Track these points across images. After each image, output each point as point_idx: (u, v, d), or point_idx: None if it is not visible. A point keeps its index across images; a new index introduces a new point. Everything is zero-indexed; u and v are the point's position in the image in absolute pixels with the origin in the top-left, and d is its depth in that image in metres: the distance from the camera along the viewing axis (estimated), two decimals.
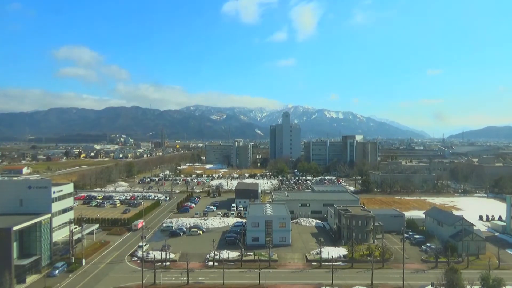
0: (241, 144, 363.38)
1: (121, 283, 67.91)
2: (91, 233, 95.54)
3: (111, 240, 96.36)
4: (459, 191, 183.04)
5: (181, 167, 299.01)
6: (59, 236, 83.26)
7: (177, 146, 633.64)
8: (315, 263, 78.52)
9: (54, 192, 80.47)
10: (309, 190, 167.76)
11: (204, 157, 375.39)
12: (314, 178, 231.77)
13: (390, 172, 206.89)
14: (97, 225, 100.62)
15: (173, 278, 70.14)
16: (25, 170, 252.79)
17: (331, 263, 71.49)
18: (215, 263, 77.00)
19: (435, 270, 73.19)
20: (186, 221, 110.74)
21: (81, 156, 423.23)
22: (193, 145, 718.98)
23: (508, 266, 77.39)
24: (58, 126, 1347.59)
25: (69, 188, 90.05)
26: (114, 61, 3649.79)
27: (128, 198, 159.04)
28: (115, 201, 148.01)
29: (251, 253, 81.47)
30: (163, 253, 79.17)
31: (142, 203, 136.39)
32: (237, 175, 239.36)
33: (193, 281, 68.73)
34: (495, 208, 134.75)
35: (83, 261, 78.45)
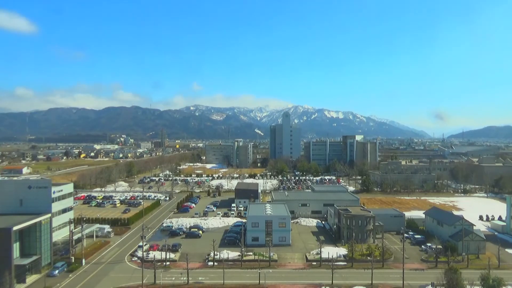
0: (241, 144, 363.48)
1: (121, 283, 67.93)
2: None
3: (111, 240, 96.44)
4: (459, 191, 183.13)
5: (181, 167, 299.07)
6: (59, 236, 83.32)
7: (177, 146, 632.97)
8: (315, 263, 78.56)
9: (54, 192, 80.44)
10: (309, 190, 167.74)
11: (204, 157, 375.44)
12: (314, 178, 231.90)
13: (390, 172, 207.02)
14: (97, 225, 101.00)
15: (173, 278, 70.15)
16: (25, 170, 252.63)
17: (331, 263, 71.44)
18: (215, 263, 77.06)
19: (435, 270, 73.19)
20: (186, 221, 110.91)
21: (81, 156, 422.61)
22: (193, 145, 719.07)
23: (508, 266, 77.45)
24: (58, 126, 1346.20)
25: (69, 188, 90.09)
26: (114, 61, 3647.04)
27: (128, 198, 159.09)
28: (115, 201, 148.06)
29: (251, 253, 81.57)
30: (163, 253, 79.27)
31: (142, 203, 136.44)
32: (237, 175, 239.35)
33: (193, 281, 68.75)
34: (495, 208, 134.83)
35: (83, 261, 78.48)
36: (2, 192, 79.04)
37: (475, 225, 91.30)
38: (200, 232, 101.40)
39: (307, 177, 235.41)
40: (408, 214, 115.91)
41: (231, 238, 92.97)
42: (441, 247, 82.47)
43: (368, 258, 76.64)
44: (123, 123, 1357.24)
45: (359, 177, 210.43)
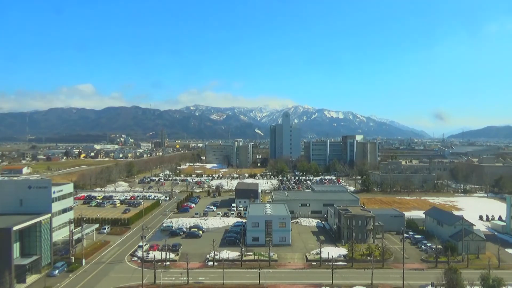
0: (241, 144, 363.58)
1: (121, 283, 67.95)
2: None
3: (111, 240, 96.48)
4: (459, 191, 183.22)
5: (181, 167, 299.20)
6: (59, 236, 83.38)
7: (177, 146, 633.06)
8: (315, 263, 78.59)
9: (54, 192, 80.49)
10: (309, 190, 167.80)
11: (204, 157, 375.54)
12: (314, 178, 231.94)
13: (390, 172, 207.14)
14: (97, 225, 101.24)
15: (173, 278, 70.18)
16: (25, 170, 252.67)
17: (331, 263, 71.50)
18: (215, 263, 77.09)
19: (435, 270, 73.21)
20: (186, 221, 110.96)
21: (81, 156, 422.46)
22: (193, 145, 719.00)
23: (508, 266, 77.49)
24: (58, 126, 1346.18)
25: (69, 188, 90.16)
26: (112, 60, 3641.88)
27: (128, 198, 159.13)
28: (115, 201, 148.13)
29: (251, 253, 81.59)
30: (163, 253, 79.32)
31: (142, 203, 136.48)
32: (237, 175, 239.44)
33: (193, 281, 68.78)
34: (495, 208, 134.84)
35: (83, 261, 78.52)
36: (2, 192, 79.10)
37: (475, 225, 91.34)
38: (200, 232, 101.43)
39: (307, 177, 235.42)
40: (408, 214, 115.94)
41: (231, 238, 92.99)
42: (441, 247, 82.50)
43: (368, 258, 76.65)
44: (123, 123, 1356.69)
45: (359, 177, 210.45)
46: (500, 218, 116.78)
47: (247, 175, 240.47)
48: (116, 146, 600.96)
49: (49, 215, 77.65)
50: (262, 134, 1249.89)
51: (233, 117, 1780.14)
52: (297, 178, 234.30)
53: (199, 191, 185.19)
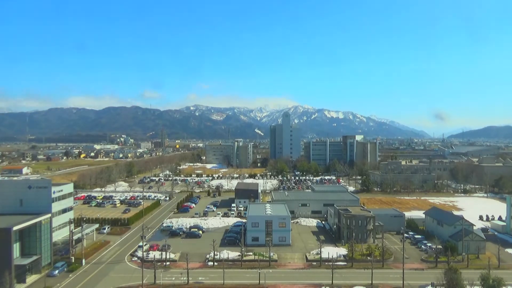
0: (241, 144, 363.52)
1: (121, 283, 67.96)
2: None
3: (111, 240, 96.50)
4: (459, 191, 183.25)
5: (181, 167, 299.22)
6: (59, 236, 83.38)
7: (177, 146, 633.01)
8: (315, 263, 78.59)
9: (54, 192, 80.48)
10: (309, 190, 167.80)
11: (204, 157, 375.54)
12: (314, 178, 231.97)
13: (390, 172, 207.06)
14: (97, 225, 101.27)
15: (173, 278, 70.17)
16: (25, 170, 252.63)
17: (331, 263, 71.51)
18: (215, 263, 77.11)
19: (435, 270, 73.20)
20: (186, 221, 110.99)
21: (81, 156, 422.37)
22: (193, 145, 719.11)
23: (508, 266, 77.49)
24: (58, 126, 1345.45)
25: (69, 188, 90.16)
26: (112, 60, 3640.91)
27: (128, 198, 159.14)
28: (115, 201, 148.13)
29: (251, 253, 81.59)
30: (163, 253, 79.31)
31: (142, 203, 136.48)
32: (237, 175, 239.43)
33: (193, 281, 68.79)
34: (495, 208, 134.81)
35: (83, 261, 78.52)
36: (2, 192, 79.15)
37: (475, 225, 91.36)
38: (200, 232, 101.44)
39: (307, 177, 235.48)
40: (408, 214, 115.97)
41: (231, 238, 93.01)
42: (441, 247, 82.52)
43: (368, 258, 76.69)
44: (123, 123, 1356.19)
45: (359, 177, 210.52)
46: (500, 218, 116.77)
47: (247, 175, 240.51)
48: (116, 146, 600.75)
49: (49, 215, 77.66)
50: (262, 134, 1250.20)
51: (233, 117, 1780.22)
52: (297, 178, 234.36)
53: (199, 191, 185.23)
